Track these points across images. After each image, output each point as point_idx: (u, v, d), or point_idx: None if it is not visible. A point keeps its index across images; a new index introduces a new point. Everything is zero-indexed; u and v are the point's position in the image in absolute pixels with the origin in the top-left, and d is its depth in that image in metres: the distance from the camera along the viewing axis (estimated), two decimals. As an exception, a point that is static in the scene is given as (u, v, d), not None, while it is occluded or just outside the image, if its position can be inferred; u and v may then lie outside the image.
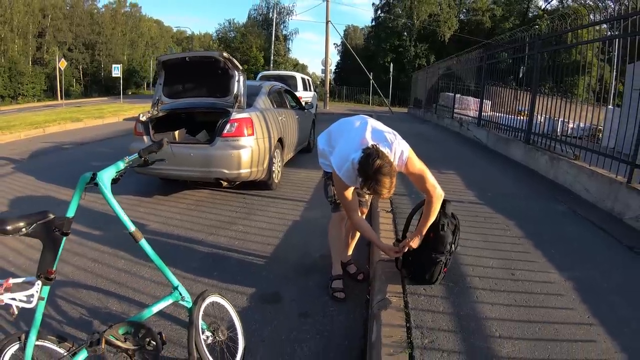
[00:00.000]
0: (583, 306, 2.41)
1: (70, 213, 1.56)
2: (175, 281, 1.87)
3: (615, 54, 5.92)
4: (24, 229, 1.47)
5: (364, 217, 2.92)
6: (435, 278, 2.52)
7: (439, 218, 2.44)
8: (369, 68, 29.41)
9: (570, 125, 6.11)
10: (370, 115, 2.80)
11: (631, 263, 3.15)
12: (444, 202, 2.48)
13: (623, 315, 2.35)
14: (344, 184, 2.35)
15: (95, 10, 51.52)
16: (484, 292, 2.51)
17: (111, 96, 38.77)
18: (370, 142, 2.25)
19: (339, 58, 50.52)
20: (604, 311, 2.36)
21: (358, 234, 3.09)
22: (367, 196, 2.93)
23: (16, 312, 1.41)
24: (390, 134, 2.35)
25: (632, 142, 4.23)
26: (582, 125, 5.97)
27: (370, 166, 2.06)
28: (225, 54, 4.87)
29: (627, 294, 2.60)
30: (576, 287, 2.64)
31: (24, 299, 1.45)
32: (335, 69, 47.86)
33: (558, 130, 6.20)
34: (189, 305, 1.89)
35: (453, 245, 2.49)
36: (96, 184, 1.59)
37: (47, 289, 1.53)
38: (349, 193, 2.42)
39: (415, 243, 2.49)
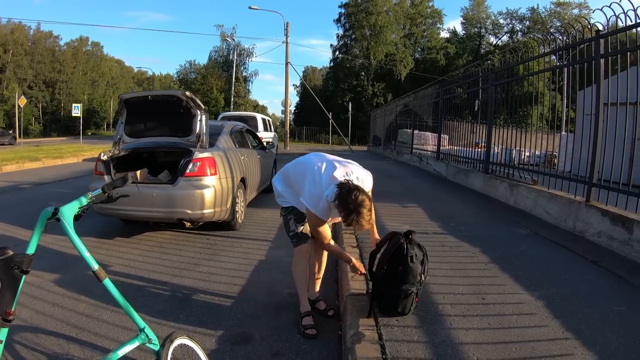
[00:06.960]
0: (556, 322, 2.46)
1: (31, 250, 1.47)
2: (141, 323, 1.78)
3: (565, 82, 6.30)
4: None
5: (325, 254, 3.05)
6: (408, 309, 2.52)
7: (407, 250, 2.45)
8: (328, 108, 30.07)
9: (527, 154, 6.39)
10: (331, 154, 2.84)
11: (597, 276, 3.29)
12: (410, 233, 2.52)
13: (596, 326, 2.41)
14: (320, 220, 2.48)
15: (57, 48, 50.76)
16: (457, 318, 2.52)
17: (70, 136, 37.74)
18: (341, 177, 2.40)
19: (298, 99, 51.54)
20: (578, 324, 2.42)
21: (323, 269, 3.09)
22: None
23: None
24: (353, 164, 2.63)
25: (587, 163, 4.47)
26: (537, 152, 6.25)
27: (353, 201, 2.20)
28: (187, 93, 4.87)
29: (597, 306, 2.69)
30: (547, 305, 2.70)
31: None
32: (294, 110, 48.71)
33: (515, 159, 6.46)
34: (157, 348, 1.80)
35: (423, 276, 2.50)
36: (58, 220, 1.51)
37: (5, 331, 1.42)
38: (324, 228, 2.57)
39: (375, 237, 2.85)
